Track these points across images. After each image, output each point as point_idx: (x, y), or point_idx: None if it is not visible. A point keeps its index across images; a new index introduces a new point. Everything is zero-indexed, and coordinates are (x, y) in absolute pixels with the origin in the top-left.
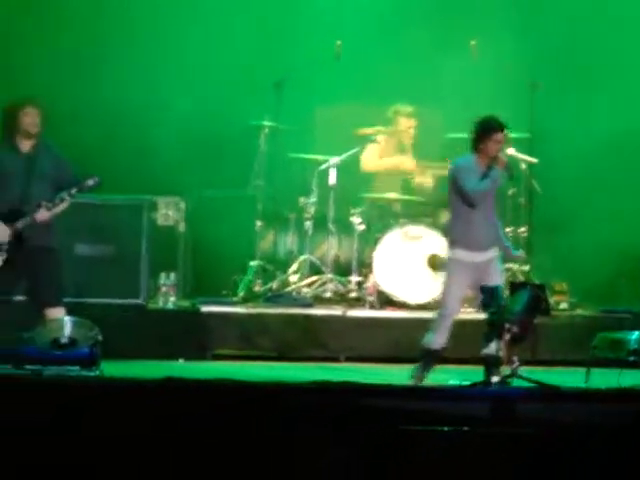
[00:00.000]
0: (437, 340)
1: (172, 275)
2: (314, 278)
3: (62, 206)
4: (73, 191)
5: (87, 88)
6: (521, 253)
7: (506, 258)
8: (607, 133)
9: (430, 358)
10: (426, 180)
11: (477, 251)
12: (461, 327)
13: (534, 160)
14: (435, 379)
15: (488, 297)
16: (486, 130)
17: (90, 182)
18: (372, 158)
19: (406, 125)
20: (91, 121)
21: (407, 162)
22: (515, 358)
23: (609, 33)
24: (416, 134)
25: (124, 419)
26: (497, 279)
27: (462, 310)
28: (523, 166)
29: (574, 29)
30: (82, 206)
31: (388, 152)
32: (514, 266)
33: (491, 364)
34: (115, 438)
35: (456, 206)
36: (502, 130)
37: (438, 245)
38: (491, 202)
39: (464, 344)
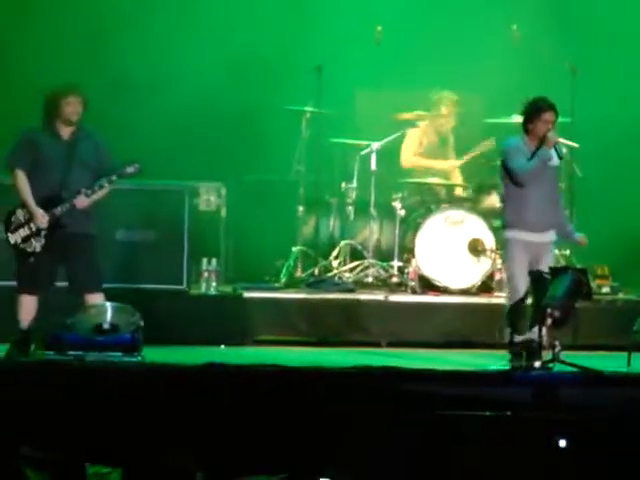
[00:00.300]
0: (523, 330)
1: (214, 261)
2: (356, 263)
3: (101, 193)
4: (113, 178)
5: (129, 71)
6: (582, 237)
7: (568, 240)
8: None
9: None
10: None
11: (532, 231)
12: (498, 312)
13: (575, 145)
14: (475, 364)
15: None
16: (535, 110)
17: (130, 169)
18: (410, 153)
19: (448, 112)
20: (132, 107)
21: (445, 165)
22: (557, 342)
23: None
24: (457, 122)
25: (166, 404)
26: (548, 264)
27: (502, 295)
28: (565, 150)
29: (614, 13)
30: (124, 192)
31: (428, 139)
32: (555, 250)
33: (532, 348)
34: (157, 423)
35: (508, 187)
36: (551, 110)
37: (479, 229)
38: (548, 183)
39: (501, 329)
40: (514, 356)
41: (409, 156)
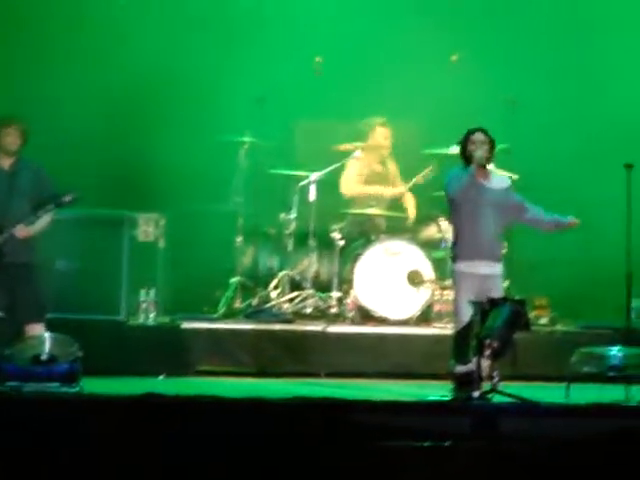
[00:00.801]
0: (465, 361)
1: (152, 291)
2: (295, 294)
3: (42, 222)
4: (49, 207)
5: (67, 100)
6: (572, 219)
7: (562, 229)
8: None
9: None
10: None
11: (479, 262)
12: (436, 342)
13: (515, 176)
14: (414, 394)
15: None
16: (466, 136)
17: (67, 198)
18: (352, 182)
19: (383, 135)
20: (72, 135)
21: (393, 191)
22: (495, 373)
23: (586, 49)
24: (394, 151)
25: (105, 435)
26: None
27: (440, 326)
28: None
29: (553, 44)
30: (63, 221)
31: (369, 168)
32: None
33: (471, 379)
34: (95, 454)
35: (455, 219)
36: (479, 131)
37: (418, 260)
38: (491, 214)
39: (440, 359)
40: (457, 387)
41: (352, 185)
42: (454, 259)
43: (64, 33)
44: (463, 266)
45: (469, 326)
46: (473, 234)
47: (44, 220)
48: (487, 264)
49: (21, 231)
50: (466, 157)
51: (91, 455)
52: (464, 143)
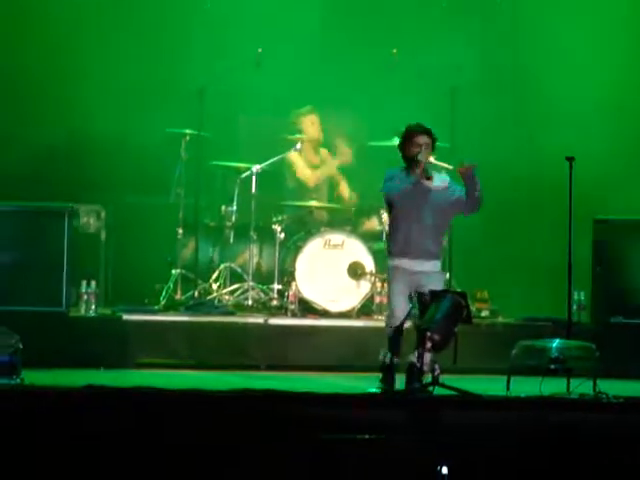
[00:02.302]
0: (395, 355)
1: (93, 283)
2: (236, 286)
3: None
4: None
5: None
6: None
7: (466, 177)
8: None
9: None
10: (346, 188)
11: (413, 259)
12: (377, 335)
13: (451, 167)
14: (354, 387)
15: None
16: (407, 135)
17: None
18: (303, 168)
19: (310, 121)
20: (11, 126)
21: (327, 170)
22: (436, 366)
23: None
24: (323, 129)
25: (45, 427)
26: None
27: (381, 318)
28: (443, 174)
29: (495, 38)
30: (3, 213)
31: (308, 160)
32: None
33: (412, 372)
34: (35, 445)
35: (390, 216)
36: (423, 133)
37: (359, 253)
38: (428, 210)
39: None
40: (384, 377)
41: (293, 191)
42: (389, 254)
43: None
44: (397, 262)
45: (403, 320)
46: (409, 233)
47: None
48: (420, 262)
49: None
50: (407, 157)
51: (31, 447)
52: (406, 142)
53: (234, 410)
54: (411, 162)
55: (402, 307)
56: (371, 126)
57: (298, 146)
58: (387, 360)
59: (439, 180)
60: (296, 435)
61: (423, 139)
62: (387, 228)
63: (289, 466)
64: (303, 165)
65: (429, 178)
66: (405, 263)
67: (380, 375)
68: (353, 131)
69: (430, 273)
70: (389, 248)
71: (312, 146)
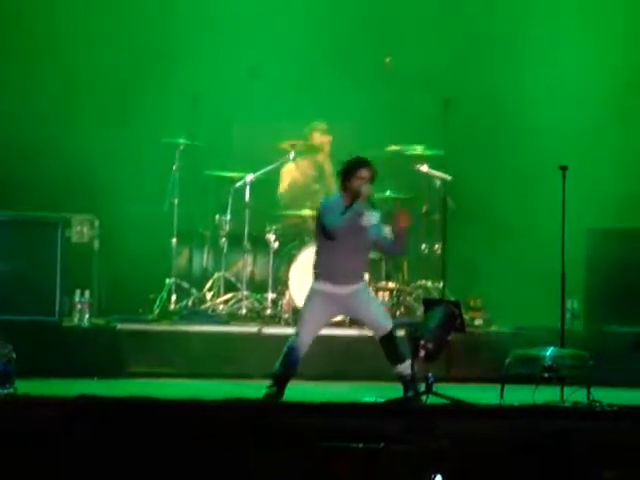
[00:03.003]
0: (288, 370)
1: (87, 293)
2: (229, 295)
3: None
4: None
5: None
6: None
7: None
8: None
9: (281, 386)
10: None
11: (339, 284)
12: (370, 344)
13: (448, 177)
14: (350, 396)
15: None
16: (350, 168)
17: None
18: (288, 195)
19: (320, 140)
20: (6, 137)
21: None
22: (430, 374)
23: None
24: (331, 150)
25: (38, 436)
26: (368, 308)
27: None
28: (438, 183)
29: (487, 45)
30: None
31: (304, 174)
32: (428, 283)
33: (406, 381)
34: (28, 455)
35: (320, 240)
36: (365, 167)
37: None
38: (357, 241)
39: (377, 361)
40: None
41: (287, 201)
42: (314, 276)
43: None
44: (319, 286)
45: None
46: (334, 261)
47: None
48: (342, 288)
49: None
50: (348, 188)
51: (24, 456)
52: (348, 174)
53: (228, 419)
54: (353, 194)
55: (311, 331)
56: (365, 134)
57: (291, 156)
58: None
59: (373, 216)
60: (291, 444)
61: (366, 173)
62: (317, 250)
63: (284, 475)
64: (289, 181)
65: (375, 208)
66: (327, 287)
67: None
68: (347, 140)
69: (353, 293)
70: (314, 270)
71: (312, 162)
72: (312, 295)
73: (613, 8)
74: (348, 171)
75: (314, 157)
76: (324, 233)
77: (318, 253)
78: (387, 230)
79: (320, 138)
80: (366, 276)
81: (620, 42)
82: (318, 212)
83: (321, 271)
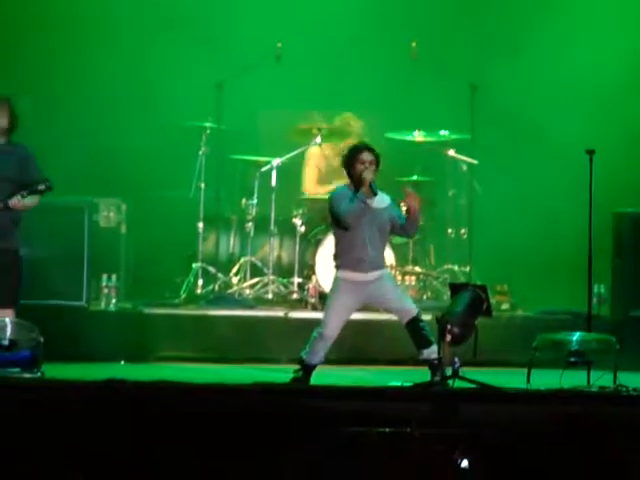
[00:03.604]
0: (314, 358)
1: (114, 277)
2: (256, 280)
3: (21, 205)
4: (24, 193)
5: (27, 85)
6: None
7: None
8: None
9: (308, 371)
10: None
11: (361, 272)
12: (396, 328)
13: (474, 161)
14: (376, 380)
15: None
16: (351, 154)
17: (41, 187)
18: (312, 182)
19: (356, 125)
20: (34, 120)
21: None
22: (456, 359)
23: (549, 35)
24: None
25: (66, 421)
26: (393, 294)
27: None
28: (464, 167)
29: (514, 30)
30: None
31: (328, 163)
32: (455, 267)
33: (433, 365)
34: (57, 440)
35: (336, 231)
36: (366, 150)
37: None
38: (370, 226)
39: (403, 345)
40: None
41: (311, 186)
42: (336, 267)
43: (35, 30)
44: (343, 274)
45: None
46: (352, 249)
47: (24, 204)
48: (365, 275)
49: (15, 202)
50: (352, 175)
51: (53, 441)
52: (351, 161)
53: (254, 404)
54: (357, 180)
55: (338, 320)
56: (391, 120)
57: (318, 140)
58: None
59: (381, 200)
60: (317, 429)
61: (368, 156)
62: (335, 241)
63: (309, 460)
64: (313, 179)
65: (374, 194)
66: (351, 275)
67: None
68: (374, 127)
69: (376, 280)
70: (336, 260)
71: (337, 149)
72: (336, 285)
73: None
74: (350, 158)
75: (340, 142)
76: (337, 224)
77: (336, 244)
78: (403, 210)
79: (355, 123)
80: (389, 262)
81: None
82: (329, 204)
83: (341, 261)
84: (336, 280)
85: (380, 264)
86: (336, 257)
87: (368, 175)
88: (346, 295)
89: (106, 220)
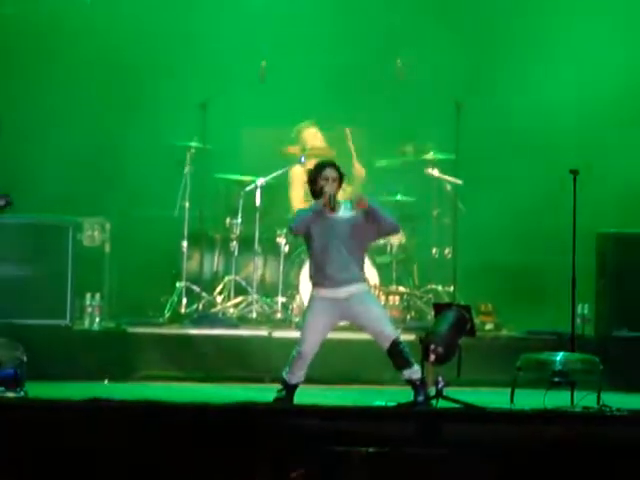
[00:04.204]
0: (293, 377)
1: (97, 296)
2: (240, 299)
3: None
4: None
5: (13, 103)
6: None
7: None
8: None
9: (290, 391)
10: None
11: (331, 287)
12: (380, 348)
13: (459, 181)
14: (360, 400)
15: None
16: (315, 170)
17: (0, 202)
18: (299, 201)
19: (311, 134)
20: (18, 137)
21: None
22: (440, 378)
23: (529, 52)
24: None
25: (49, 440)
26: (370, 313)
27: None
28: (448, 187)
29: (499, 48)
30: (7, 226)
31: None
32: (439, 287)
33: (416, 385)
34: (40, 459)
35: (308, 247)
36: (330, 167)
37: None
38: (340, 239)
39: (387, 365)
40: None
41: (299, 206)
42: (311, 285)
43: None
44: (316, 292)
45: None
46: (323, 265)
47: None
48: (335, 291)
49: None
50: (314, 191)
51: (36, 460)
52: (315, 177)
53: (237, 423)
54: (319, 195)
55: (314, 338)
56: (376, 137)
57: (302, 159)
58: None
59: (345, 210)
60: (300, 448)
61: (330, 173)
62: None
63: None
64: (298, 196)
65: (332, 209)
66: (325, 292)
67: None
68: (356, 144)
69: (353, 296)
70: (311, 278)
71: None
72: (311, 302)
73: (614, 11)
74: (313, 174)
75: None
76: (306, 241)
77: (310, 262)
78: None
79: (311, 133)
80: (373, 282)
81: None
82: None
83: (315, 277)
84: (311, 298)
85: (353, 279)
86: (310, 276)
87: (328, 188)
88: (320, 313)
89: (90, 239)
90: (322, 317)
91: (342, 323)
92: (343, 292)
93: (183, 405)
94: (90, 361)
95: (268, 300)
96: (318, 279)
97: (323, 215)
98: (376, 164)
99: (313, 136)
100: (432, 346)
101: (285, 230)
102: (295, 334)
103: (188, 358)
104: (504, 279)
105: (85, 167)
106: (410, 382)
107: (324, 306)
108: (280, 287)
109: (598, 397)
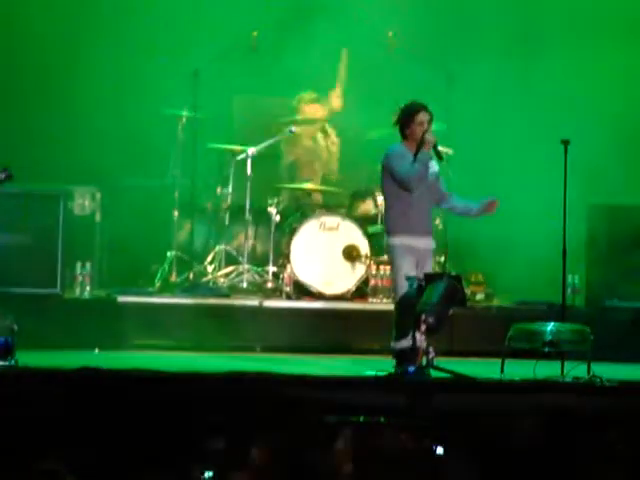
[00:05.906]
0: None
1: (88, 265)
2: (230, 268)
3: None
4: None
5: (8, 74)
6: (492, 198)
7: (487, 212)
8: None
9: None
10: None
11: (418, 236)
12: (372, 318)
13: (450, 151)
14: (350, 370)
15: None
16: (408, 114)
17: (0, 175)
18: (292, 158)
19: (310, 112)
20: (7, 108)
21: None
22: (431, 349)
23: (526, 22)
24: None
25: (39, 409)
26: (429, 270)
27: (376, 301)
28: (445, 151)
29: (490, 18)
30: None
31: (302, 146)
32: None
33: (407, 354)
34: (32, 429)
35: (392, 194)
36: (423, 110)
37: (354, 236)
38: (428, 190)
39: (375, 334)
40: (399, 363)
41: (289, 173)
42: (390, 233)
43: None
44: (398, 239)
45: (409, 300)
46: (411, 210)
47: None
48: (423, 239)
49: None
50: (408, 136)
51: (27, 429)
52: (407, 121)
53: (229, 392)
54: (418, 143)
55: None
56: (367, 109)
57: (293, 129)
58: (401, 344)
59: (434, 163)
60: (291, 418)
61: (425, 116)
62: (388, 204)
63: (285, 449)
64: (291, 154)
65: (441, 158)
66: (409, 240)
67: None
68: (348, 115)
69: (430, 251)
70: (390, 225)
71: (309, 132)
72: (395, 252)
73: None
74: (407, 117)
75: (314, 129)
76: (400, 185)
77: (391, 207)
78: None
79: (309, 109)
80: (364, 252)
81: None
82: (383, 163)
83: (397, 225)
84: (392, 247)
85: (431, 232)
86: (390, 221)
87: (431, 137)
88: (408, 261)
89: (81, 208)
90: (412, 265)
91: (333, 292)
92: (424, 243)
93: (173, 374)
94: (81, 330)
95: (259, 269)
96: (404, 226)
97: (427, 164)
98: (367, 136)
99: (313, 109)
100: (423, 316)
101: (275, 200)
102: (286, 304)
103: (179, 327)
104: (495, 249)
105: (75, 136)
106: (402, 352)
107: (407, 252)
108: (271, 256)
109: (588, 367)
